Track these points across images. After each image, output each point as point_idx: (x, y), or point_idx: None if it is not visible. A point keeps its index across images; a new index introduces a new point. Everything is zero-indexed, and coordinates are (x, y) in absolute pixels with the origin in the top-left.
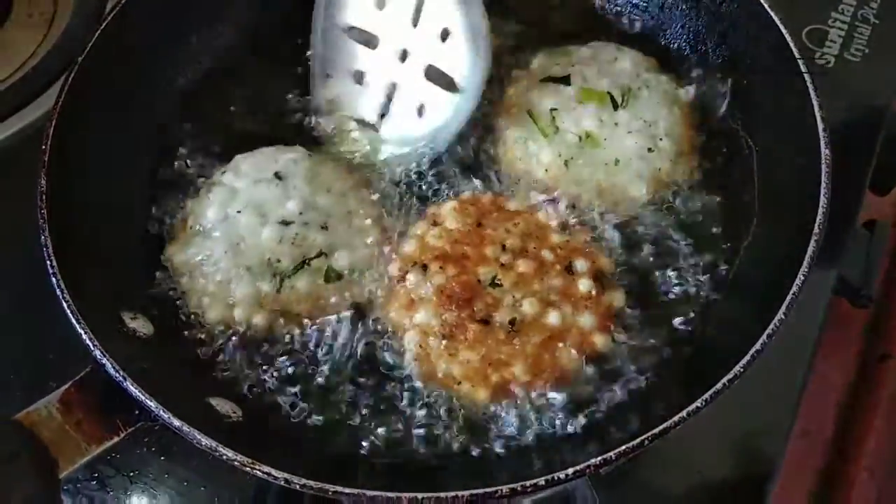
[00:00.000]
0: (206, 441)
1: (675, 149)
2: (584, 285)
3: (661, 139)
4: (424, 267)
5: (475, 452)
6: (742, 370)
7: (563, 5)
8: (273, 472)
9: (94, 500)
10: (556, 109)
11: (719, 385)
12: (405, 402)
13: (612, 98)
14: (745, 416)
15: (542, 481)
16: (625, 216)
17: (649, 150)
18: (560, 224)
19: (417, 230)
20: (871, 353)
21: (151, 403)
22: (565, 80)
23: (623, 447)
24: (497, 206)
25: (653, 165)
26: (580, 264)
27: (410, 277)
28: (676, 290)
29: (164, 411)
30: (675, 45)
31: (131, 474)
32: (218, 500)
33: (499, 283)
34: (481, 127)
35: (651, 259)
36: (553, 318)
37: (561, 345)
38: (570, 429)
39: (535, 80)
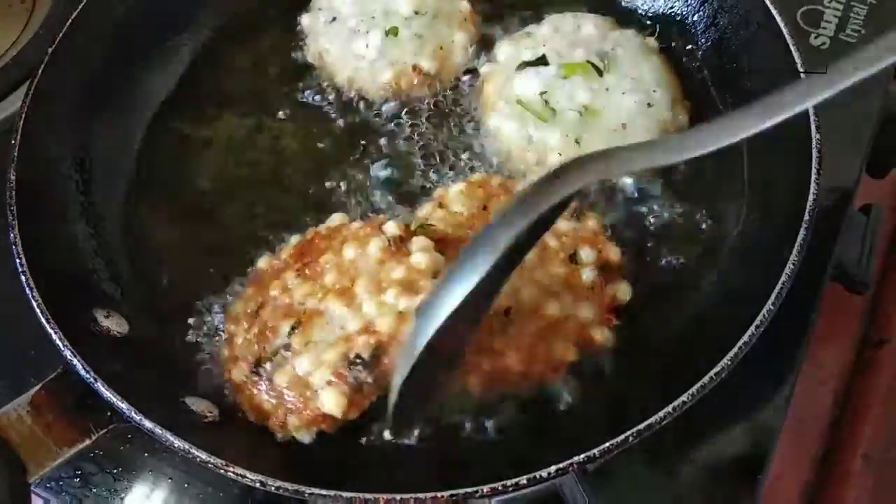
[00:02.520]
0: (178, 443)
1: (668, 96)
2: (587, 275)
3: (654, 91)
4: None
5: (455, 448)
6: (729, 363)
7: None
8: (247, 474)
9: (77, 497)
10: (545, 92)
11: (706, 379)
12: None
13: (593, 66)
14: (739, 404)
15: (523, 480)
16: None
17: (648, 105)
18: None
19: (421, 212)
20: (867, 338)
21: (123, 405)
22: (543, 61)
23: (607, 444)
24: (505, 189)
25: (656, 119)
26: (586, 253)
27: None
28: (664, 282)
29: (136, 413)
30: (665, 29)
31: (114, 471)
32: (204, 496)
33: None
34: (466, 134)
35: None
36: (552, 308)
37: (557, 336)
38: (553, 424)
39: (509, 70)
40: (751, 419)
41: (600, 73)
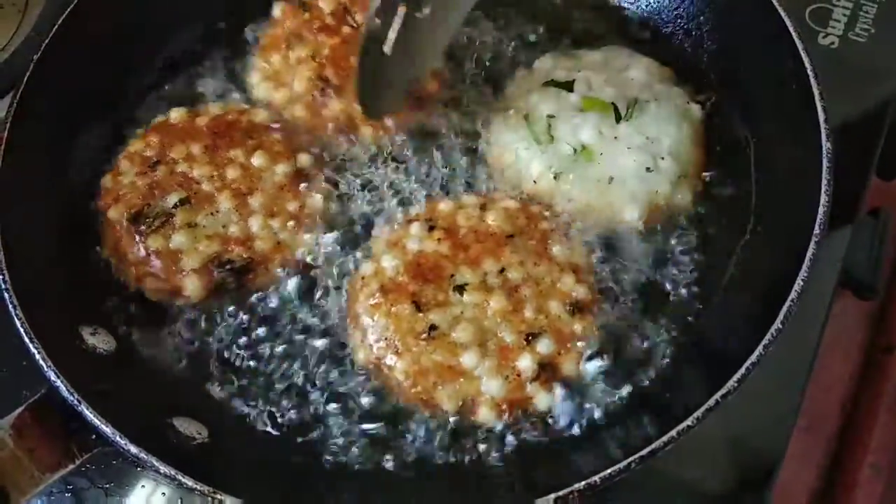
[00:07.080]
0: (164, 469)
1: (677, 170)
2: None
3: (662, 158)
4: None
5: (448, 470)
6: (736, 385)
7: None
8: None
9: None
10: (553, 116)
11: (711, 401)
12: (372, 416)
13: (615, 109)
14: (748, 411)
15: None
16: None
17: (648, 169)
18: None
19: (383, 261)
20: (875, 345)
21: (107, 429)
22: (568, 86)
23: (608, 471)
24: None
25: (650, 188)
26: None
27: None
28: (668, 300)
29: (120, 437)
30: (668, 30)
31: (107, 486)
32: None
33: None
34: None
35: (642, 271)
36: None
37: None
38: (556, 448)
39: (536, 82)
40: (759, 426)
41: (619, 118)
